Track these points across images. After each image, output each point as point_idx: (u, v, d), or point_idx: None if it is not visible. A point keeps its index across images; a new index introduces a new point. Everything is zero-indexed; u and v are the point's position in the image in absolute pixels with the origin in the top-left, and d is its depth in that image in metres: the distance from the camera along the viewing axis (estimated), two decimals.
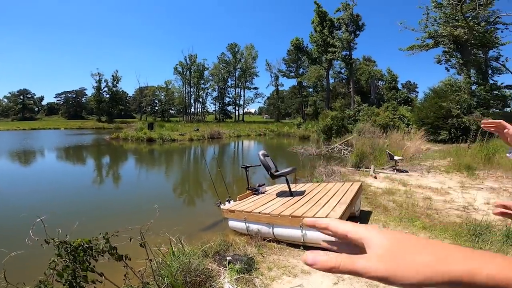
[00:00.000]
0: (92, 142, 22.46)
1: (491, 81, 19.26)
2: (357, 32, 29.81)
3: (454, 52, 19.49)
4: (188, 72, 55.75)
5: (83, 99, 73.32)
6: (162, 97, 61.50)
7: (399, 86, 42.44)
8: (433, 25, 19.48)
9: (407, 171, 7.89)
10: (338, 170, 7.75)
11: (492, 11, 17.82)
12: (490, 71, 19.62)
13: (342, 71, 38.67)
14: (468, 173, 7.22)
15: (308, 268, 2.95)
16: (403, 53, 21.46)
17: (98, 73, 56.69)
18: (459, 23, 17.48)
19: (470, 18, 17.46)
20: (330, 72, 36.90)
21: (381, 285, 2.59)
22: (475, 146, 9.01)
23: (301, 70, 51.20)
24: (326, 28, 30.38)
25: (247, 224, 3.82)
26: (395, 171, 7.80)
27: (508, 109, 20.25)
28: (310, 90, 49.90)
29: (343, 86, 40.74)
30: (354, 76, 33.10)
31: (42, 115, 72.41)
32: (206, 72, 57.49)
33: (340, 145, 13.80)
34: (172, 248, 2.63)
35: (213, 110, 64.62)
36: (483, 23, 17.68)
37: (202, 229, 4.55)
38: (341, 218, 3.13)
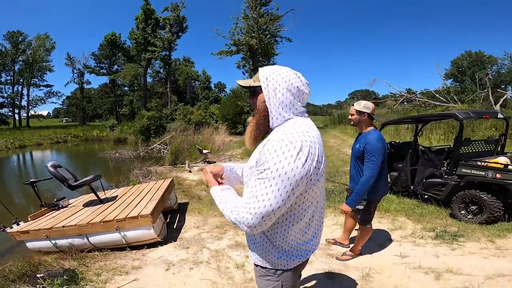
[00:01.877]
0: None
1: None
2: (180, 34, 30.52)
3: (248, 59, 24.18)
4: None
5: None
6: None
7: (212, 86, 48.11)
8: (238, 34, 23.26)
9: (215, 162, 9.43)
10: (155, 169, 7.98)
11: (278, 25, 23.44)
12: None
13: (161, 70, 38.37)
14: None
15: (138, 264, 3.10)
16: (215, 56, 24.28)
17: None
18: (254, 34, 21.95)
19: (261, 31, 22.27)
20: (149, 71, 35.82)
21: (201, 266, 3.12)
22: None
23: (115, 67, 45.93)
24: (150, 26, 29.03)
25: (53, 241, 3.37)
26: (206, 163, 9.11)
27: None
28: (126, 88, 45.89)
29: (161, 86, 40.60)
30: (172, 76, 33.84)
31: None
32: None
33: (159, 144, 13.95)
34: None
35: None
36: (269, 35, 23.04)
37: None
38: (152, 213, 3.40)
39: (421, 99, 18.07)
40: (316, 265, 2.89)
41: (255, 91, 1.14)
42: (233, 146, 12.74)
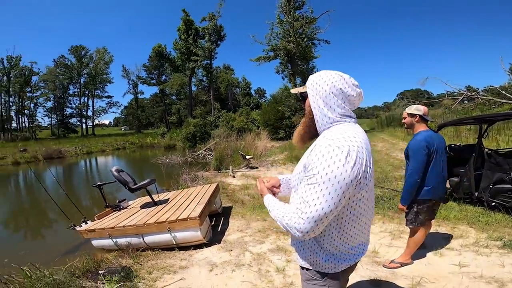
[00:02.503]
0: None
1: None
2: (219, 42, 31.68)
3: (287, 64, 23.99)
4: (5, 77, 41.67)
5: None
6: None
7: (252, 92, 49.06)
8: (274, 39, 23.44)
9: (257, 167, 9.55)
10: (201, 174, 8.40)
11: (314, 27, 23.14)
12: None
13: (204, 79, 40.02)
14: (297, 163, 9.57)
15: (185, 264, 3.29)
16: (254, 63, 24.68)
17: None
18: (291, 38, 21.88)
19: (298, 35, 22.13)
20: (193, 79, 37.58)
21: (242, 269, 3.22)
22: None
23: (164, 77, 49.12)
24: (191, 36, 30.85)
25: (114, 240, 3.73)
26: (249, 169, 9.28)
27: None
28: (173, 97, 48.88)
29: (205, 94, 42.60)
30: (214, 84, 35.24)
31: None
32: (35, 78, 44.97)
33: (204, 151, 14.64)
34: (26, 272, 2.29)
35: (48, 124, 51.41)
36: (306, 38, 22.77)
37: (61, 254, 4.04)
38: (200, 216, 3.61)
39: (484, 97, 16.02)
40: (361, 272, 2.78)
41: (304, 96, 1.21)
42: (275, 152, 12.77)
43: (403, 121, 2.79)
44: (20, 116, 45.51)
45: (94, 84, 49.17)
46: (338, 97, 1.09)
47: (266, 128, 19.13)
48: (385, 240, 3.48)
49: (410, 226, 2.74)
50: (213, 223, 4.60)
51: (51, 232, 5.84)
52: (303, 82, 24.10)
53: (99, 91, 51.75)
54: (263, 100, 46.31)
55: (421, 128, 2.67)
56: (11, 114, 44.14)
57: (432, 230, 3.47)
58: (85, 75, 48.66)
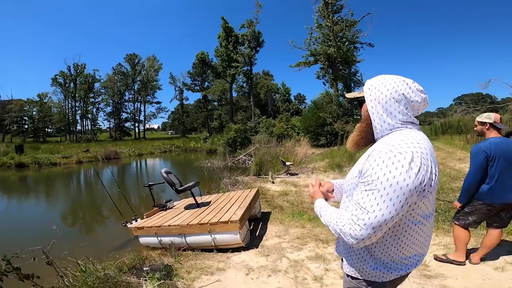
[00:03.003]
0: None
1: None
2: (258, 48, 32.44)
3: (327, 69, 23.37)
4: (72, 83, 47.68)
5: None
6: (34, 112, 50.09)
7: (292, 98, 48.94)
8: (314, 44, 22.96)
9: (297, 174, 9.41)
10: (241, 179, 8.54)
11: (355, 30, 22.41)
12: (352, 85, 24.59)
13: (244, 85, 41.11)
14: (339, 171, 9.23)
15: (222, 266, 3.36)
16: (293, 68, 24.45)
17: None
18: (331, 43, 21.26)
19: (338, 39, 21.48)
20: (234, 86, 38.65)
21: (279, 274, 3.19)
22: (343, 148, 11.50)
23: (206, 83, 51.45)
24: (231, 43, 31.90)
25: (159, 238, 3.94)
26: (288, 175, 9.18)
27: None
28: (215, 103, 50.98)
29: (245, 100, 43.71)
30: (254, 90, 35.94)
31: None
32: (97, 85, 50.71)
33: (244, 156, 14.91)
34: (81, 267, 2.55)
35: (107, 127, 57.32)
36: (347, 42, 21.97)
37: (112, 249, 4.36)
38: (241, 220, 3.66)
39: None
40: (407, 285, 2.60)
41: (360, 101, 1.18)
42: (315, 159, 12.51)
43: (475, 129, 2.89)
44: (84, 119, 51.44)
45: (145, 90, 53.61)
46: (400, 103, 1.03)
47: (307, 135, 18.83)
48: (438, 253, 3.24)
49: (454, 222, 2.93)
50: (251, 227, 4.63)
51: (106, 227, 6.38)
52: (345, 88, 23.38)
53: (149, 97, 56.27)
54: (303, 106, 45.87)
55: (491, 135, 2.72)
56: (76, 118, 50.13)
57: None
58: (138, 82, 53.36)
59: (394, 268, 1.06)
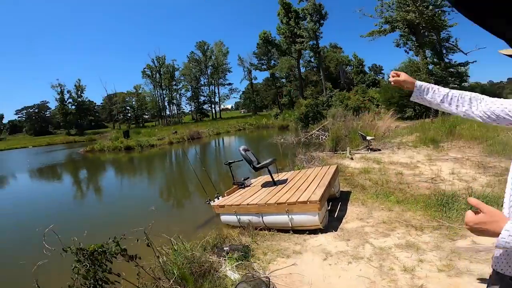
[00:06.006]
0: (66, 157, 21.42)
1: (446, 60, 20.73)
2: (321, 21, 30.53)
3: (409, 36, 20.51)
4: (157, 74, 54.27)
5: (47, 113, 69.47)
6: (133, 102, 59.65)
7: (366, 69, 44.39)
8: (387, 11, 20.30)
9: (379, 150, 8.50)
10: (317, 155, 8.21)
11: None
12: (444, 51, 21.08)
13: (312, 59, 39.55)
14: (433, 146, 7.88)
15: (299, 249, 3.25)
16: (366, 39, 22.27)
17: (59, 84, 53.40)
18: (410, 8, 18.35)
19: (419, 3, 18.39)
20: (301, 61, 37.68)
21: (360, 262, 2.97)
22: (438, 120, 9.77)
23: (273, 62, 51.47)
24: (292, 19, 31.01)
25: (238, 217, 4.08)
26: (369, 151, 8.38)
27: (466, 84, 21.87)
28: (283, 80, 50.56)
29: (314, 74, 41.81)
30: (323, 63, 34.04)
31: (5, 134, 67.66)
32: (177, 73, 56.39)
33: (317, 131, 14.36)
34: (173, 246, 2.85)
35: (189, 111, 63.73)
36: (431, 6, 18.66)
37: (197, 227, 4.75)
38: (320, 199, 3.44)
39: None
40: None
41: None
42: (401, 133, 11.06)
43: None
44: (170, 105, 58.36)
45: (217, 74, 57.15)
46: None
47: (389, 107, 16.88)
48: None
49: None
50: (329, 207, 4.32)
51: (193, 204, 7.00)
52: (435, 54, 20.33)
53: (222, 80, 59.79)
54: (381, 77, 41.27)
55: None
56: (165, 104, 57.19)
57: None
58: (210, 67, 57.06)
59: None
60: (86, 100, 58.69)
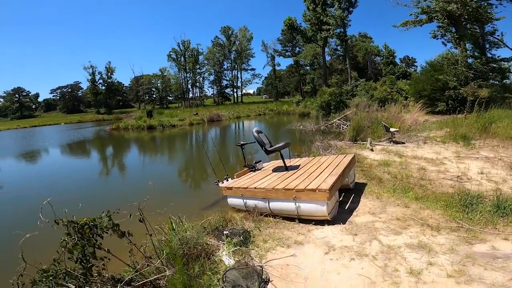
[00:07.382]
0: (94, 134, 22.58)
1: (489, 55, 19.07)
2: (350, 9, 29.14)
3: (449, 27, 19.07)
4: (182, 58, 54.92)
5: (79, 92, 73.27)
6: (158, 84, 61.32)
7: (397, 61, 41.87)
8: (425, 0, 18.93)
9: (403, 143, 8.00)
10: (334, 144, 7.90)
11: None
12: (487, 45, 19.42)
13: (338, 48, 38.04)
14: (464, 143, 7.24)
15: (301, 239, 3.10)
16: (399, 29, 20.97)
17: (91, 66, 55.91)
18: None
19: None
20: (326, 49, 36.44)
21: (364, 260, 2.79)
22: (472, 116, 8.96)
23: (297, 49, 50.52)
24: (318, 6, 29.88)
25: (245, 200, 4.00)
26: (392, 143, 7.92)
27: (508, 81, 20.08)
28: (307, 68, 49.38)
29: (340, 63, 40.21)
30: (350, 52, 32.70)
31: (41, 112, 72.31)
32: (201, 57, 56.79)
33: (338, 120, 13.88)
34: (172, 225, 2.80)
35: (211, 94, 64.32)
36: None
37: (204, 208, 4.74)
38: (330, 189, 3.26)
39: None
40: None
41: None
42: (430, 127, 10.32)
43: None
44: (193, 88, 59.06)
45: (240, 59, 56.93)
46: None
47: (419, 100, 15.90)
48: None
49: None
50: (341, 198, 4.09)
51: (203, 184, 7.05)
52: (477, 48, 18.88)
53: (245, 65, 59.47)
54: (413, 69, 38.84)
55: None
56: (188, 87, 57.97)
57: None
58: (234, 52, 56.85)
59: None
60: (115, 81, 61.11)
